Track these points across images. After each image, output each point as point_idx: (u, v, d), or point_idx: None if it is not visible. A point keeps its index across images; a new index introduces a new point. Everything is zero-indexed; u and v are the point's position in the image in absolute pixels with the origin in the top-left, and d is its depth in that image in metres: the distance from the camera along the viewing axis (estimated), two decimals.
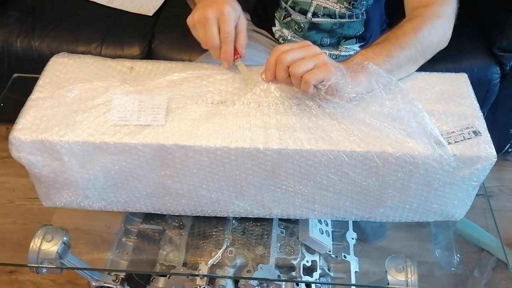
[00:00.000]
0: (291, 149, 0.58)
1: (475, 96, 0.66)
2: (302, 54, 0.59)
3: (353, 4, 0.86)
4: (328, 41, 0.92)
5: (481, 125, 0.62)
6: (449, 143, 0.59)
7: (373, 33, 0.92)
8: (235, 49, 0.66)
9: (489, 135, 0.60)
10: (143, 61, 0.69)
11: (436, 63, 1.24)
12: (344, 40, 0.92)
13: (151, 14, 1.39)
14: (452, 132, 0.60)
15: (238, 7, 0.66)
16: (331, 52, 0.93)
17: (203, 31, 0.64)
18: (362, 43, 0.93)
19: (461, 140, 0.59)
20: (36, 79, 0.67)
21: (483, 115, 0.64)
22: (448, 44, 1.28)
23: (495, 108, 1.33)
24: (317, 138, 0.59)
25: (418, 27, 0.68)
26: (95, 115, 0.60)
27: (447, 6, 0.71)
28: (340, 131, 0.60)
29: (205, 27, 0.63)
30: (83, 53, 0.72)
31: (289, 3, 0.91)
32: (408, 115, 0.61)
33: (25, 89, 0.69)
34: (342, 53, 0.93)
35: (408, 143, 0.58)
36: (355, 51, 0.93)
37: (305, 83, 0.58)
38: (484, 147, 0.59)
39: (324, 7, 0.87)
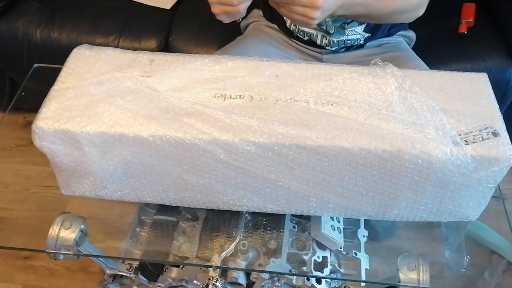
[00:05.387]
0: (307, 145, 0.58)
1: (495, 97, 0.65)
2: None
3: None
4: (333, 27, 0.94)
5: (501, 126, 0.61)
6: (467, 143, 0.58)
7: None
8: None
9: (508, 137, 0.60)
10: (163, 54, 0.70)
11: (454, 63, 1.26)
12: (347, 24, 0.95)
13: (169, 8, 1.40)
14: (470, 132, 0.60)
15: None
16: (339, 39, 0.96)
17: None
18: (364, 25, 0.96)
19: (479, 141, 0.59)
20: (56, 70, 0.68)
21: None
22: (467, 45, 1.28)
23: None
24: (333, 137, 0.59)
25: None
26: (116, 107, 0.61)
27: None
28: (355, 131, 0.59)
29: None
30: (101, 44, 0.73)
31: None
32: (426, 117, 0.60)
33: (45, 79, 0.70)
34: (350, 37, 0.96)
35: (425, 146, 0.58)
36: (360, 34, 0.96)
37: None
38: (504, 149, 0.58)
39: None
